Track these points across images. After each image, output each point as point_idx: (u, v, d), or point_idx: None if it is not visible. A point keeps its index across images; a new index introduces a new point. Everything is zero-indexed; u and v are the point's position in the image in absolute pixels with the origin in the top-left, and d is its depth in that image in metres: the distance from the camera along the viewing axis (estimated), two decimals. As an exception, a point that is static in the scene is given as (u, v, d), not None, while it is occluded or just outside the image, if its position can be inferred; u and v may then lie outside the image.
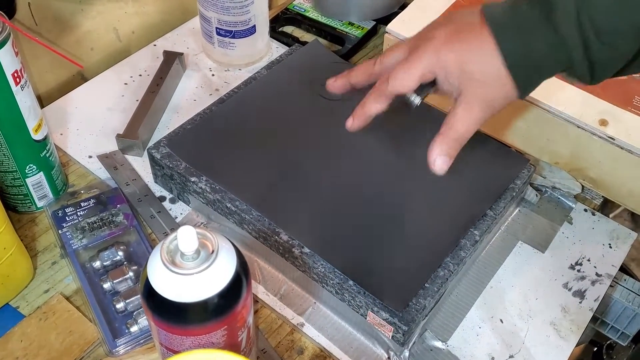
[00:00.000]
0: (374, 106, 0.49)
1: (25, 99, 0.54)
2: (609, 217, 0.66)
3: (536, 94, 0.63)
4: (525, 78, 0.44)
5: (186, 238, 0.36)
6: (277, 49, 0.82)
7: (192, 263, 0.37)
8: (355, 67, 0.51)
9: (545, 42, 0.42)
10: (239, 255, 0.39)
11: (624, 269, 0.76)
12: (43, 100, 0.76)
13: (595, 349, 1.10)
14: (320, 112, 0.65)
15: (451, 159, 0.46)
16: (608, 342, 1.07)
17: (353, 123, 0.50)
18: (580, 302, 0.58)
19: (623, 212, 0.71)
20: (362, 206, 0.57)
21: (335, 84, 0.52)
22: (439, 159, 0.46)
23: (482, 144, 0.64)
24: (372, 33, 0.84)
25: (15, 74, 0.52)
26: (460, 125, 0.46)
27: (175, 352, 0.39)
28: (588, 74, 0.43)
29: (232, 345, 0.40)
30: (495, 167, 0.62)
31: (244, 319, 0.40)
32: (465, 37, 0.44)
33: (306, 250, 0.54)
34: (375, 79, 0.50)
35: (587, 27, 0.41)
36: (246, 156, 0.61)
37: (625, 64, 0.44)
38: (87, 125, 0.71)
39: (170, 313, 0.37)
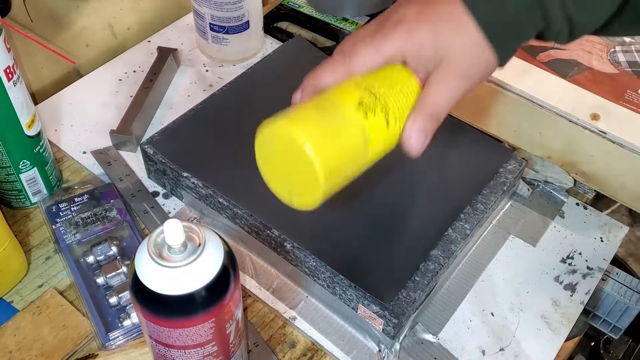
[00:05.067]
0: (325, 78, 0.42)
1: (17, 95, 0.54)
2: (601, 211, 0.66)
3: (528, 88, 0.64)
4: (503, 42, 0.41)
5: (172, 231, 0.36)
6: (272, 45, 0.82)
7: (179, 256, 0.37)
8: (320, 68, 0.44)
9: (521, 1, 0.39)
10: (227, 249, 0.39)
11: (621, 265, 0.76)
12: (38, 97, 0.76)
13: (593, 343, 1.10)
14: None
15: (427, 135, 0.42)
16: (605, 337, 1.07)
17: (301, 96, 0.44)
18: (571, 296, 0.58)
19: (620, 207, 0.72)
20: (350, 200, 0.58)
21: (304, 96, 0.44)
22: (415, 134, 0.42)
23: (469, 136, 0.64)
24: (366, 28, 0.84)
25: (8, 70, 0.53)
26: (437, 98, 0.42)
27: (164, 345, 0.40)
28: (566, 32, 0.41)
29: (220, 338, 0.41)
30: (479, 159, 0.62)
31: (231, 312, 0.40)
32: (435, 10, 0.41)
33: (297, 244, 0.54)
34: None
35: None
36: (230, 154, 0.61)
37: (605, 23, 0.42)
38: (81, 121, 0.71)
39: (158, 306, 0.38)
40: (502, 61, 0.42)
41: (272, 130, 0.40)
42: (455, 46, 0.40)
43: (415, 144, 0.42)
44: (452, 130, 0.64)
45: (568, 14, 0.40)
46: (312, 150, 0.38)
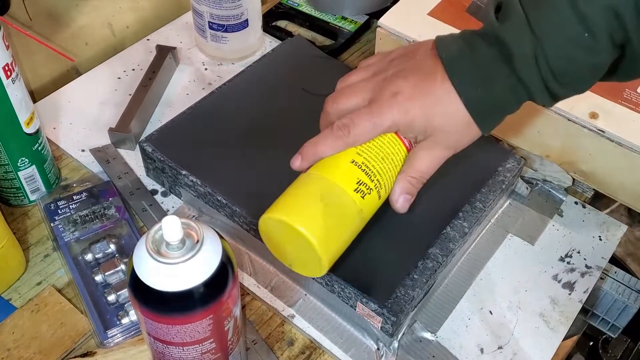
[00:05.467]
0: (327, 152, 0.47)
1: (16, 92, 0.54)
2: (600, 210, 0.66)
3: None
4: (489, 120, 0.46)
5: (171, 228, 0.36)
6: (271, 43, 0.82)
7: (177, 252, 0.37)
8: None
9: (507, 85, 0.43)
10: (225, 246, 0.39)
11: (619, 264, 0.76)
12: (37, 95, 0.76)
13: (591, 343, 1.10)
14: (302, 106, 0.66)
15: (412, 197, 0.48)
16: (604, 336, 1.07)
17: (301, 164, 0.48)
18: (569, 294, 0.58)
19: (619, 207, 0.72)
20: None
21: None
22: (402, 197, 0.48)
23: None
24: (365, 27, 0.84)
25: (6, 67, 0.52)
26: (423, 165, 0.48)
27: (162, 342, 0.40)
28: (550, 103, 0.45)
29: (218, 335, 0.41)
30: (480, 158, 0.62)
31: (229, 309, 0.40)
32: (428, 89, 0.45)
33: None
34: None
35: (545, 70, 0.42)
36: (228, 152, 0.61)
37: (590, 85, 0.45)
38: (80, 119, 0.71)
39: (156, 302, 0.38)
40: (486, 133, 0.47)
41: (283, 222, 0.45)
42: (444, 124, 0.45)
43: (402, 205, 0.48)
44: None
45: (551, 92, 0.44)
46: (319, 247, 0.44)
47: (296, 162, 0.49)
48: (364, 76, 0.49)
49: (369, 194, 0.47)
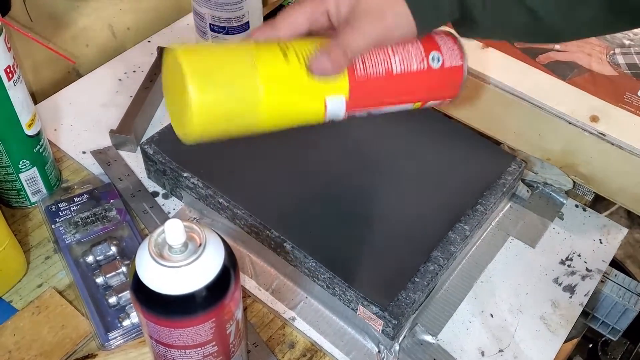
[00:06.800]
0: (256, 35, 0.43)
1: (18, 94, 0.54)
2: (600, 213, 0.66)
3: (528, 90, 0.64)
4: (424, 16, 0.43)
5: (173, 231, 0.36)
6: (272, 46, 0.82)
7: (179, 256, 0.37)
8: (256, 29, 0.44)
9: None
10: (227, 249, 0.39)
11: (619, 266, 0.76)
12: (38, 96, 0.76)
13: (591, 345, 1.10)
14: None
15: (332, 62, 0.41)
16: (603, 338, 1.07)
17: (255, 34, 0.43)
18: (570, 297, 0.58)
19: (619, 209, 0.72)
20: (351, 201, 0.58)
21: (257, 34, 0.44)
22: (319, 57, 0.41)
23: (469, 141, 0.64)
24: (366, 30, 0.84)
25: (8, 69, 0.52)
26: (349, 37, 0.42)
27: (164, 344, 0.40)
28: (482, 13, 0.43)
29: (220, 338, 0.41)
30: (482, 164, 0.62)
31: (232, 312, 0.40)
32: None
33: (297, 245, 0.54)
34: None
35: None
36: (230, 155, 0.61)
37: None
38: (81, 121, 0.71)
39: (158, 305, 0.38)
40: (420, 34, 0.43)
41: (167, 54, 0.40)
42: (386, 9, 0.42)
43: (317, 64, 0.41)
44: (453, 135, 0.64)
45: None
46: (188, 71, 0.38)
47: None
48: None
49: (269, 49, 0.41)
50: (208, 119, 0.40)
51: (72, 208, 0.61)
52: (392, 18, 0.43)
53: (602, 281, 0.62)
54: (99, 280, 0.56)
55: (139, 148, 0.66)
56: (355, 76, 0.43)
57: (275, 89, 0.41)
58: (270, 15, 0.86)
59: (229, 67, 0.40)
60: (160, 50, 0.77)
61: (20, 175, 0.59)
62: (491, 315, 0.56)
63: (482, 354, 0.54)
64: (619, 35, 0.72)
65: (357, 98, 0.44)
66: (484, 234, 0.62)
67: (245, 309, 0.56)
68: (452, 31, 0.47)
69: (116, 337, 0.52)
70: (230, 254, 0.40)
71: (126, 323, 0.53)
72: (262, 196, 0.58)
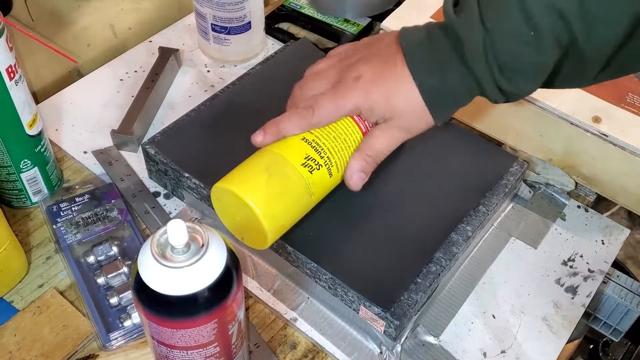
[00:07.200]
0: (290, 130, 0.50)
1: (19, 94, 0.54)
2: (602, 214, 0.66)
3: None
4: (441, 109, 0.48)
5: (176, 231, 0.36)
6: (273, 46, 0.82)
7: (182, 256, 0.37)
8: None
9: (458, 74, 0.45)
10: (229, 249, 0.39)
11: (620, 267, 0.76)
12: (39, 96, 0.76)
13: (592, 346, 1.10)
14: None
15: (367, 175, 0.51)
16: (604, 339, 1.07)
17: (264, 139, 0.50)
18: (572, 298, 0.58)
19: (620, 210, 0.72)
20: (352, 203, 0.57)
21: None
22: (356, 175, 0.50)
23: (471, 142, 0.64)
24: (367, 30, 0.84)
25: (10, 69, 0.52)
26: (379, 144, 0.50)
27: (166, 345, 0.40)
28: (502, 99, 0.46)
29: (222, 339, 0.41)
30: (484, 165, 0.62)
31: (234, 313, 0.40)
32: (388, 75, 0.47)
33: (297, 249, 0.54)
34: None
35: (492, 63, 0.44)
36: (231, 155, 0.61)
37: (545, 83, 0.46)
38: (82, 121, 0.71)
39: (161, 306, 0.37)
40: (439, 123, 0.49)
41: (228, 191, 0.48)
42: (402, 108, 0.48)
43: (355, 183, 0.50)
44: (455, 136, 0.64)
45: (499, 86, 0.45)
46: (260, 212, 0.47)
47: (258, 137, 0.51)
48: (330, 63, 0.52)
49: (318, 169, 0.49)
50: (276, 237, 0.50)
51: (73, 208, 0.61)
52: (417, 124, 0.49)
53: (604, 282, 0.62)
54: (100, 280, 0.55)
55: (140, 148, 0.66)
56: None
57: (323, 194, 0.52)
58: (271, 16, 0.85)
59: (289, 202, 0.49)
60: (162, 50, 0.77)
61: (21, 175, 0.59)
62: (493, 316, 0.56)
63: (484, 354, 0.54)
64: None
65: None
66: (486, 235, 0.62)
67: (246, 310, 0.56)
68: None
69: (117, 338, 0.52)
70: (232, 254, 0.40)
71: (127, 323, 0.53)
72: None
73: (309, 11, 0.86)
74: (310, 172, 0.49)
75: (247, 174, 0.49)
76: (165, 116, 0.72)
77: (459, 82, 0.46)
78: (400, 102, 0.47)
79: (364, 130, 0.52)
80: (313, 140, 0.50)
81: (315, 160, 0.49)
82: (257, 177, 0.48)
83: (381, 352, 0.53)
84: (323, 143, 0.50)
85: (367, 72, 0.48)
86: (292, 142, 0.50)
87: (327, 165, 0.50)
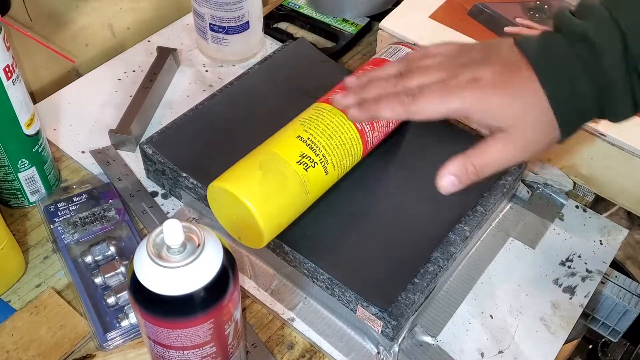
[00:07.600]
0: (387, 114, 0.45)
1: (16, 94, 0.54)
2: (601, 214, 0.66)
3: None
4: (569, 121, 0.42)
5: (172, 231, 0.36)
6: (272, 45, 0.82)
7: (178, 256, 0.37)
8: (382, 100, 0.45)
9: (593, 86, 0.41)
10: (226, 249, 0.39)
11: (619, 267, 0.76)
12: (37, 96, 0.76)
13: (591, 346, 1.10)
14: (304, 110, 0.66)
15: (460, 184, 0.44)
16: (603, 339, 1.07)
17: (359, 114, 0.47)
18: (570, 298, 0.58)
19: (619, 210, 0.72)
20: (350, 203, 0.57)
21: (360, 115, 0.47)
22: (447, 178, 0.44)
23: (468, 142, 0.64)
24: (366, 30, 0.84)
25: (7, 69, 0.52)
26: (489, 156, 0.43)
27: (162, 345, 0.40)
28: (630, 111, 0.42)
29: (219, 339, 0.41)
30: None
31: (230, 313, 0.40)
32: (512, 82, 0.42)
33: (294, 249, 0.54)
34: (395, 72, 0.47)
35: (632, 66, 0.40)
36: (229, 155, 0.61)
37: None
38: (80, 121, 0.71)
39: (157, 306, 0.37)
40: (563, 140, 0.43)
41: (223, 189, 0.49)
42: (523, 118, 0.42)
43: (444, 186, 0.44)
44: (452, 136, 0.64)
45: (635, 95, 0.41)
46: (257, 213, 0.47)
47: (354, 113, 0.47)
48: (439, 60, 0.46)
49: (313, 167, 0.50)
50: (272, 235, 0.51)
51: (71, 208, 0.61)
52: (540, 139, 0.43)
53: (602, 282, 0.61)
54: (98, 280, 0.55)
55: (138, 148, 0.66)
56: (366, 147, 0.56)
57: (320, 192, 0.53)
58: (270, 16, 0.85)
59: (284, 200, 0.50)
60: (160, 50, 0.76)
61: (19, 174, 0.59)
62: (491, 317, 0.56)
63: (482, 355, 0.54)
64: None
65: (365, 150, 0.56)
66: (484, 235, 0.62)
67: (244, 310, 0.56)
68: None
69: (115, 338, 0.52)
70: (228, 254, 0.40)
71: (125, 323, 0.53)
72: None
73: (308, 11, 0.86)
74: (306, 170, 0.50)
75: (242, 173, 0.49)
76: (163, 116, 0.72)
77: (593, 93, 0.41)
78: (521, 110, 0.42)
79: (359, 128, 0.52)
80: (308, 138, 0.50)
81: (311, 158, 0.50)
82: (251, 175, 0.49)
83: (378, 352, 0.53)
84: (318, 141, 0.51)
85: (487, 75, 0.43)
86: (287, 140, 0.51)
87: (323, 163, 0.51)
